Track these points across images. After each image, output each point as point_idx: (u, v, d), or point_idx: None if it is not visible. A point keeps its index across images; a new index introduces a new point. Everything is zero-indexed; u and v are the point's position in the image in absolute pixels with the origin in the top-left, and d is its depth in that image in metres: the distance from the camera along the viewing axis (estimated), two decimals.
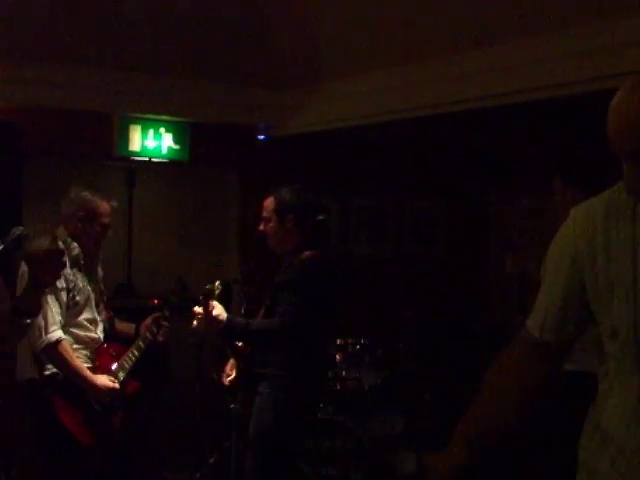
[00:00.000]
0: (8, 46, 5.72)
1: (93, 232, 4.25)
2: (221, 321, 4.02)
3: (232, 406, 4.83)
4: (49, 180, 6.32)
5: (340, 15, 5.53)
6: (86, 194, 4.24)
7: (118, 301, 5.90)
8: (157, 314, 4.53)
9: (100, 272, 4.49)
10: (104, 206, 4.27)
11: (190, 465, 5.74)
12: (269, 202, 4.28)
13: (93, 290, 4.31)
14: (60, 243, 4.13)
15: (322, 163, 7.27)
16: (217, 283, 4.12)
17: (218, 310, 4.03)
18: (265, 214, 4.29)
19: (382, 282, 7.65)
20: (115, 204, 4.39)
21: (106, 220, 4.28)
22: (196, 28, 5.88)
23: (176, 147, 6.74)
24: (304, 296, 4.04)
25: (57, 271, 2.64)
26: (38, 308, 2.85)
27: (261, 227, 4.32)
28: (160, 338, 4.46)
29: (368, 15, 5.32)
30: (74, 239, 4.21)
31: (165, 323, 4.49)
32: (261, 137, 7.04)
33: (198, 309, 4.06)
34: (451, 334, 7.11)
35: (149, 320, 4.52)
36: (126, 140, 6.58)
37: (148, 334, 4.44)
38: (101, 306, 4.43)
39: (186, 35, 5.89)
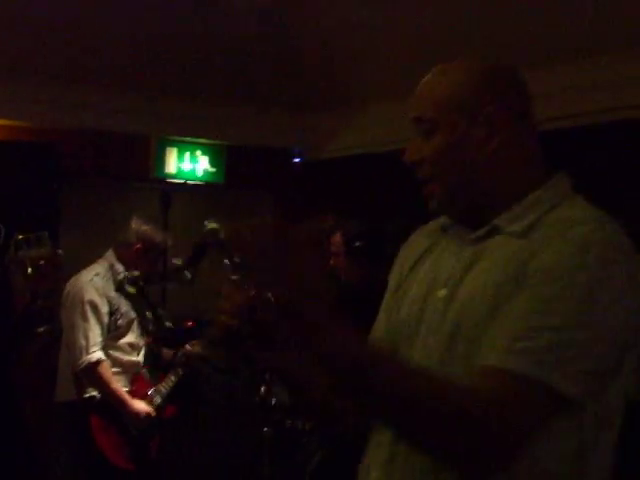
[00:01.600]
0: (49, 69, 5.77)
1: (146, 263, 4.29)
2: None
3: (265, 429, 4.79)
4: (86, 201, 6.35)
5: (378, 38, 5.53)
6: (147, 228, 4.30)
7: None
8: (195, 341, 4.51)
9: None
10: (163, 241, 4.33)
11: None
12: (337, 238, 4.28)
13: (140, 315, 4.32)
14: (101, 267, 4.17)
15: (358, 187, 7.24)
16: None
17: None
18: (334, 249, 4.29)
19: None
20: (171, 241, 4.44)
21: (161, 254, 4.37)
22: (233, 52, 5.90)
23: (212, 170, 6.76)
24: None
25: (50, 282, 2.62)
26: (51, 316, 2.84)
27: (332, 262, 4.31)
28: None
29: (407, 39, 5.32)
30: (122, 264, 4.24)
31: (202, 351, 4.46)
32: (297, 160, 7.04)
33: None
34: None
35: (187, 347, 4.50)
36: (162, 162, 6.61)
37: (185, 360, 4.42)
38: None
39: (223, 59, 5.91)
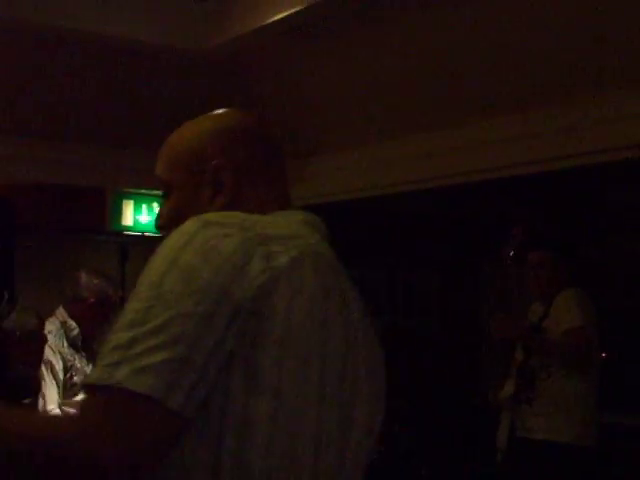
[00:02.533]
0: (5, 124, 5.75)
1: (99, 317, 4.23)
2: None
3: None
4: (41, 255, 6.29)
5: (336, 87, 5.58)
6: (99, 282, 4.24)
7: None
8: None
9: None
10: (115, 295, 4.28)
11: None
12: None
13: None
14: (52, 325, 4.11)
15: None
16: None
17: None
18: None
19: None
20: (121, 294, 4.40)
21: (113, 309, 4.30)
22: (185, 105, 5.91)
23: None
24: None
25: (37, 354, 2.56)
26: (37, 388, 2.79)
27: None
28: None
29: (364, 87, 5.38)
30: (75, 320, 4.18)
31: None
32: None
33: None
34: (448, 408, 7.04)
35: None
36: (119, 215, 6.59)
37: None
38: None
39: (176, 112, 5.92)
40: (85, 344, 4.26)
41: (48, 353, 4.04)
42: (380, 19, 4.73)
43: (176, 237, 1.39)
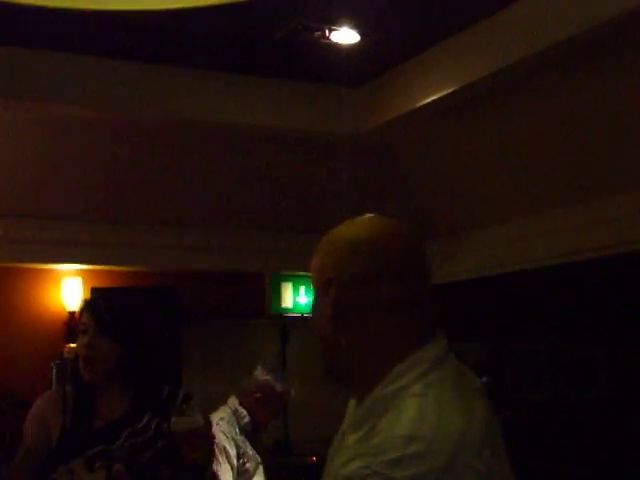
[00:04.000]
0: (166, 215, 6.02)
1: (267, 411, 4.34)
2: None
3: None
4: (205, 341, 6.48)
5: (483, 163, 5.60)
6: (268, 378, 4.35)
7: (276, 460, 5.90)
8: None
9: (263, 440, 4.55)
10: (283, 391, 4.37)
11: None
12: None
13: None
14: (224, 412, 4.23)
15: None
16: None
17: None
18: None
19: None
20: (293, 392, 4.48)
21: (282, 403, 4.41)
22: (342, 188, 6.05)
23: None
24: None
25: (202, 449, 2.58)
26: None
27: None
28: None
29: (512, 162, 5.38)
30: (245, 409, 4.30)
31: None
32: None
33: None
34: None
35: None
36: (278, 298, 6.73)
37: None
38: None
39: (334, 195, 6.07)
40: (255, 433, 4.36)
41: (222, 439, 4.14)
42: (530, 95, 4.74)
43: None
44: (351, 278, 1.56)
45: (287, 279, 6.77)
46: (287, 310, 6.78)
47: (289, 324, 6.93)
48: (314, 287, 1.64)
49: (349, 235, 1.62)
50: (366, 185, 6.10)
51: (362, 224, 1.65)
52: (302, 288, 6.77)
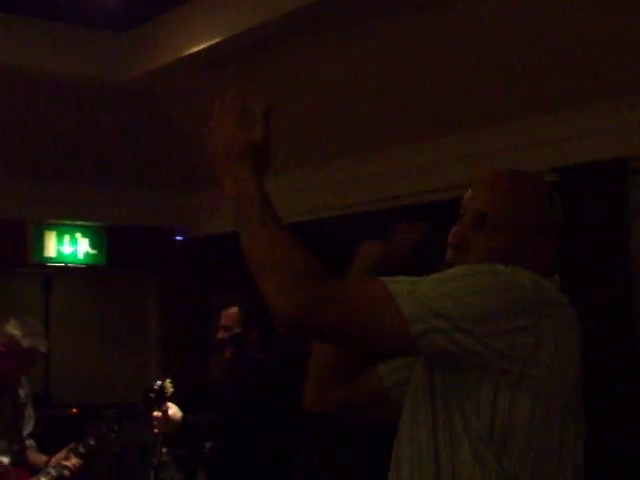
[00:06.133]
0: None
1: (11, 365, 4.21)
2: (177, 421, 3.96)
3: None
4: None
5: None
6: (16, 333, 4.19)
7: (35, 411, 5.76)
8: (72, 446, 4.36)
9: (22, 395, 4.42)
10: (30, 347, 4.23)
11: None
12: (232, 312, 4.19)
13: (13, 415, 4.24)
14: None
15: (242, 262, 7.28)
16: (168, 381, 4.06)
17: (173, 409, 3.97)
18: (227, 323, 4.19)
19: None
20: (45, 348, 4.34)
21: (30, 359, 4.27)
22: (108, 135, 5.93)
23: (93, 252, 6.70)
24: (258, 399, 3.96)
25: None
26: None
27: (220, 335, 4.23)
28: (67, 473, 4.29)
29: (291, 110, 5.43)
30: None
31: (75, 460, 4.31)
32: (179, 238, 7.04)
33: (157, 413, 3.98)
34: None
35: (62, 454, 4.35)
36: (41, 246, 6.53)
37: (56, 470, 4.28)
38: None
39: (99, 142, 5.93)
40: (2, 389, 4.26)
41: None
42: (298, 48, 4.79)
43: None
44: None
45: (51, 227, 6.57)
46: (50, 260, 6.59)
47: (53, 274, 6.75)
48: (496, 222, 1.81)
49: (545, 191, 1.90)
50: (133, 135, 6.01)
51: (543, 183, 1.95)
52: (66, 237, 6.60)
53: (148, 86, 5.41)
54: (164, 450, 4.45)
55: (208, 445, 4.28)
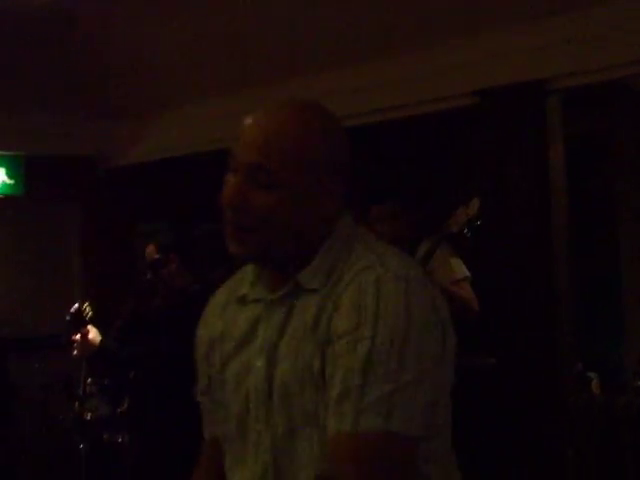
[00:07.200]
0: None
1: None
2: (95, 345, 3.95)
3: (81, 446, 4.71)
4: None
5: (175, 43, 5.54)
6: None
7: None
8: None
9: None
10: None
11: None
12: (151, 250, 4.19)
13: None
14: None
15: (163, 191, 7.20)
16: (86, 305, 4.03)
17: (93, 333, 3.96)
18: (149, 259, 4.18)
19: None
20: None
21: None
22: (26, 59, 5.78)
23: (10, 182, 6.56)
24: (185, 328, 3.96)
25: None
26: None
27: (149, 276, 4.20)
28: None
29: (204, 41, 5.36)
30: None
31: None
32: (100, 168, 6.93)
33: (77, 336, 3.96)
34: None
35: None
36: None
37: None
38: None
39: (15, 67, 5.77)
40: None
41: None
42: None
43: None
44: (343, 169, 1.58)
45: None
46: None
47: None
48: (282, 181, 1.53)
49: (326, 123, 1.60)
50: (55, 60, 5.87)
51: (322, 113, 1.61)
52: None
53: (69, 9, 5.27)
54: (89, 381, 4.45)
55: (132, 374, 4.28)
